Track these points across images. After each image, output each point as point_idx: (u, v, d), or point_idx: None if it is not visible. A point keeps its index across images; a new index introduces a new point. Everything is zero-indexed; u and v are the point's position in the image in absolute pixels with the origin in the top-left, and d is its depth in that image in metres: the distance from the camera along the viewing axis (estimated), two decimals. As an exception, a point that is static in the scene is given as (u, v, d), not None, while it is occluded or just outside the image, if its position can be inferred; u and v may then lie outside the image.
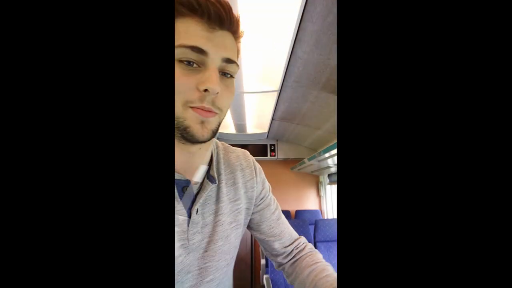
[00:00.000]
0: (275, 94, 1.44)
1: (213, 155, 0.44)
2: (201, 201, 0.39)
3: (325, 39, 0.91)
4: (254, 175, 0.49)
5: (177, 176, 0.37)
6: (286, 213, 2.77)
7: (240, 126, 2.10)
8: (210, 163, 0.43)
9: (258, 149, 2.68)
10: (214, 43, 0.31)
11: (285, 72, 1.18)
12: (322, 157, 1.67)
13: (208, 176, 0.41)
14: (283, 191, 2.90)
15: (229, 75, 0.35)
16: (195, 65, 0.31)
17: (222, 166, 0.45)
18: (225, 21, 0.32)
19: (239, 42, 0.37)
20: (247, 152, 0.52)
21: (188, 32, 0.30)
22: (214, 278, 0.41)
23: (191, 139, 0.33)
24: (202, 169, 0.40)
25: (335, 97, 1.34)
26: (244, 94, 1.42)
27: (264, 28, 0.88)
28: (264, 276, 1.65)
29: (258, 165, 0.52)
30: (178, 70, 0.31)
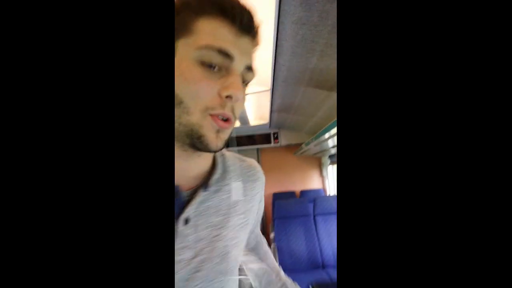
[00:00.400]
0: (269, 92, 1.66)
1: (217, 162, 0.39)
2: (192, 210, 0.34)
3: (299, 50, 1.11)
4: (262, 189, 0.45)
5: None
6: (292, 194, 3.06)
7: (243, 118, 2.34)
8: (212, 171, 0.38)
9: (263, 138, 2.93)
10: (241, 49, 0.30)
11: (273, 76, 1.39)
12: (316, 141, 1.89)
13: (204, 184, 0.36)
14: (289, 174, 3.17)
15: (245, 84, 0.34)
16: (216, 68, 0.30)
17: (230, 175, 0.40)
18: (252, 29, 0.31)
19: (256, 50, 0.35)
20: (256, 163, 0.47)
21: (216, 33, 0.29)
22: None
23: (204, 148, 0.31)
24: (216, 178, 0.37)
25: (320, 90, 1.55)
26: (242, 95, 1.65)
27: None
28: (271, 245, 1.97)
29: (263, 177, 0.47)
30: (199, 73, 0.29)
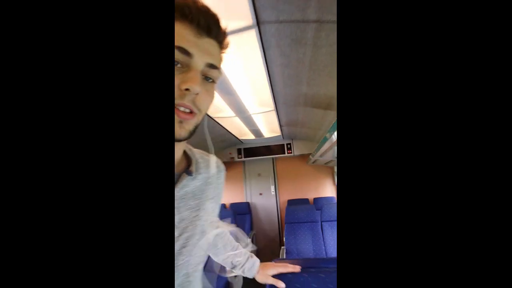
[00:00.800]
0: (274, 112, 1.92)
1: (190, 154, 0.46)
2: (179, 193, 0.40)
3: (289, 82, 1.37)
4: (223, 182, 0.53)
5: None
6: (305, 201, 3.22)
7: (256, 131, 2.61)
8: (187, 161, 0.45)
9: (278, 148, 3.17)
10: (200, 48, 0.34)
11: (274, 99, 1.66)
12: (319, 152, 2.08)
13: (186, 171, 0.43)
14: (303, 182, 3.35)
15: (210, 80, 0.37)
16: (179, 65, 0.33)
17: (200, 166, 0.46)
18: (212, 31, 0.35)
19: (224, 52, 0.39)
20: (215, 157, 0.54)
21: (177, 34, 0.32)
22: (188, 273, 0.41)
23: None
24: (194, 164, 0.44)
25: (317, 109, 1.76)
26: (252, 115, 1.94)
27: (248, 75, 1.38)
28: (281, 248, 2.18)
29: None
30: None
